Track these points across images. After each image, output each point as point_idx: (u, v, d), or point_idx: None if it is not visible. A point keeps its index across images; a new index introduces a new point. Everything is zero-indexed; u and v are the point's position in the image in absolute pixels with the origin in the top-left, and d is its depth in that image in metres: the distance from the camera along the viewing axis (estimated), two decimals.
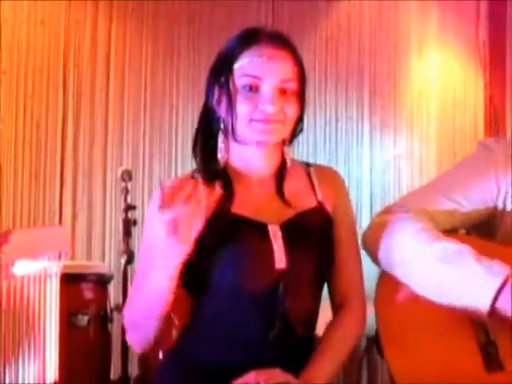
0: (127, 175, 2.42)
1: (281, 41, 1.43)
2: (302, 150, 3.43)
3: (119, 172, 2.48)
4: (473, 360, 1.42)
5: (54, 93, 3.05)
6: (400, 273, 1.48)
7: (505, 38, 3.86)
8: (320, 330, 1.52)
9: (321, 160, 3.52)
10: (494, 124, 3.73)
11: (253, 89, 1.38)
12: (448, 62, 3.90)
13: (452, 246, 1.42)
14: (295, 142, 3.15)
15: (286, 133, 1.44)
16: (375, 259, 1.54)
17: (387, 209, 1.59)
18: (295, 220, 1.44)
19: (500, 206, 1.53)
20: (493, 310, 1.32)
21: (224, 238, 1.32)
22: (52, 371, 1.39)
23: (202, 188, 1.18)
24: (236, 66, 1.39)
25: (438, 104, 3.86)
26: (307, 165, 1.57)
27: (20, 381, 1.32)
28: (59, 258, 1.45)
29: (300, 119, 1.46)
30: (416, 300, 1.47)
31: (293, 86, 1.40)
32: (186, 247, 1.21)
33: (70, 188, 3.13)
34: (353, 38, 3.70)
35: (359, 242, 1.57)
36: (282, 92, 1.39)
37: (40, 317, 1.38)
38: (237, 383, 1.26)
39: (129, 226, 2.35)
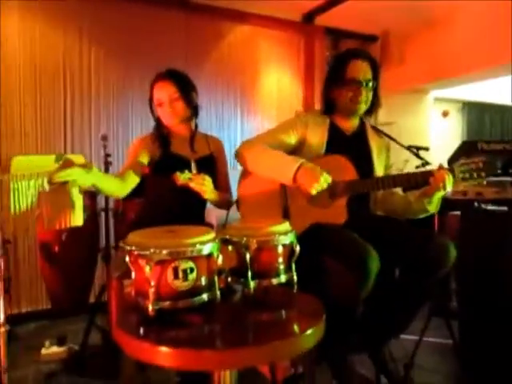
0: (105, 137, 2.50)
1: (168, 75, 1.76)
2: (207, 124, 3.51)
3: (100, 135, 2.56)
4: (277, 212, 1.68)
5: (58, 87, 3.20)
6: (255, 168, 1.70)
7: (314, 63, 4.10)
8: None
9: (217, 128, 3.73)
10: (306, 111, 3.98)
11: (161, 104, 1.78)
12: (283, 77, 4.08)
13: (278, 152, 1.66)
14: (204, 119, 3.25)
15: (182, 120, 1.78)
16: (243, 164, 1.77)
17: (247, 140, 1.83)
18: (201, 158, 1.79)
19: (301, 140, 1.78)
20: (294, 180, 1.55)
21: (170, 164, 1.58)
22: (81, 219, 1.36)
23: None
24: (154, 92, 1.80)
25: (277, 99, 4.04)
26: (205, 135, 1.94)
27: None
28: None
29: (195, 110, 1.82)
30: (259, 181, 1.72)
31: (177, 97, 1.75)
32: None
33: (70, 142, 3.17)
34: (234, 59, 3.82)
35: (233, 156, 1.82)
36: (173, 101, 1.76)
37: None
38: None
39: (107, 164, 2.48)
